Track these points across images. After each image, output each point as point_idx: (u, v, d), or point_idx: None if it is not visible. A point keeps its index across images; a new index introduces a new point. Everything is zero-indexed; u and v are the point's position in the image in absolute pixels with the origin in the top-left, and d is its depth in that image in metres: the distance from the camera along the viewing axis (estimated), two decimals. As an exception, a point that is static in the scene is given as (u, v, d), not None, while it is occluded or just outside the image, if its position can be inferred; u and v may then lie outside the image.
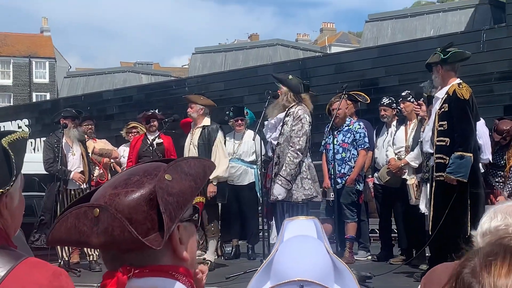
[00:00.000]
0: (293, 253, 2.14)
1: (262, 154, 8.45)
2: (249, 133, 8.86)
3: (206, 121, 8.16)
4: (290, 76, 7.41)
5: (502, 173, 7.86)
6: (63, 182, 8.33)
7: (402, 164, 7.92)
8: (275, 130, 7.19)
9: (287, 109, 7.16)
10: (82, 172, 8.52)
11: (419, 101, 7.48)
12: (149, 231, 1.32)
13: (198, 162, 1.47)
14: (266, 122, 7.36)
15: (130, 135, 9.98)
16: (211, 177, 7.93)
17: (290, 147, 7.02)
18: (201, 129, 8.06)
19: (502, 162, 7.96)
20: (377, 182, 8.36)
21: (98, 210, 1.32)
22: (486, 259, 1.06)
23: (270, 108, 7.30)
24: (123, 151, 10.17)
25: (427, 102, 7.22)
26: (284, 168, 6.99)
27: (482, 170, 7.57)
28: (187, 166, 1.43)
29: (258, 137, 8.15)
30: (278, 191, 7.00)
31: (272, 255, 2.38)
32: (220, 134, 8.12)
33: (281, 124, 7.12)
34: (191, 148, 8.13)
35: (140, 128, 9.97)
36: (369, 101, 8.88)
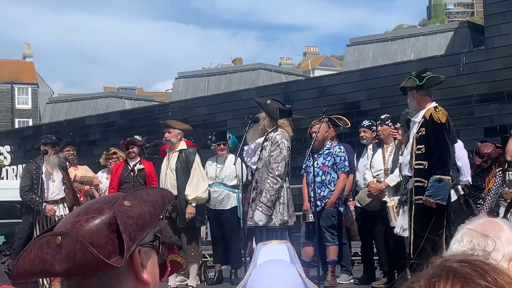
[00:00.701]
0: (266, 277, 2.15)
1: (245, 178, 8.47)
2: (232, 157, 8.87)
3: (183, 145, 8.32)
4: (269, 101, 7.39)
5: (483, 195, 7.93)
6: (36, 212, 8.30)
7: (383, 187, 7.96)
8: (254, 154, 7.19)
9: (266, 134, 7.16)
10: (62, 199, 8.49)
11: (395, 126, 7.55)
12: (110, 255, 1.35)
13: (157, 191, 1.52)
14: (246, 147, 7.36)
15: (110, 161, 9.92)
16: (190, 198, 8.02)
17: (269, 173, 7.00)
18: (178, 153, 8.16)
19: (483, 184, 8.03)
20: (358, 205, 8.39)
21: (60, 237, 1.35)
22: (430, 280, 1.10)
23: (251, 133, 7.30)
24: (101, 177, 10.15)
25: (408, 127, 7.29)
26: (264, 194, 6.97)
27: (462, 192, 7.64)
28: (146, 194, 1.47)
29: (239, 161, 8.17)
30: (259, 217, 6.97)
31: (245, 279, 2.40)
32: (197, 157, 8.27)
33: (260, 149, 7.11)
34: (168, 172, 8.20)
35: (120, 154, 9.95)
36: (349, 125, 8.93)
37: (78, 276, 1.38)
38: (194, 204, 8.10)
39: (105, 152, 10.27)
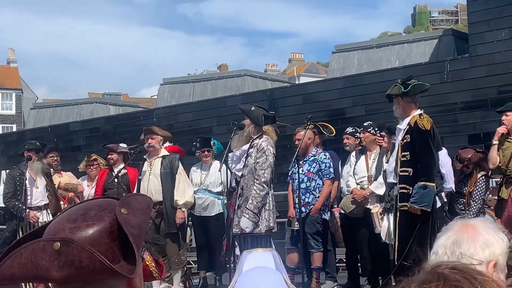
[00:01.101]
0: (251, 284, 2.15)
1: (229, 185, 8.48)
2: (216, 164, 8.86)
3: (164, 151, 8.38)
4: (253, 108, 7.38)
5: (464, 200, 7.99)
6: (19, 218, 8.25)
7: (367, 194, 7.98)
8: (239, 161, 7.17)
9: (251, 141, 7.14)
10: (46, 206, 8.44)
11: (381, 133, 7.59)
12: (112, 263, 1.34)
13: (143, 198, 1.52)
14: (230, 154, 7.34)
15: (91, 167, 9.88)
16: (180, 203, 8.09)
17: (255, 180, 6.97)
18: (161, 159, 8.18)
19: (465, 190, 8.09)
20: (342, 212, 8.41)
21: (59, 243, 1.33)
22: (421, 286, 1.10)
23: (236, 139, 7.28)
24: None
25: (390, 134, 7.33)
26: (250, 201, 6.94)
27: (445, 200, 7.68)
28: (135, 201, 1.47)
29: (224, 168, 8.16)
30: (246, 224, 6.94)
31: (231, 286, 2.40)
32: (180, 163, 8.34)
33: (245, 155, 7.10)
34: (151, 178, 8.19)
35: (100, 161, 9.93)
36: (334, 133, 8.94)
37: (75, 284, 1.36)
38: (184, 209, 8.21)
39: (85, 158, 10.19)
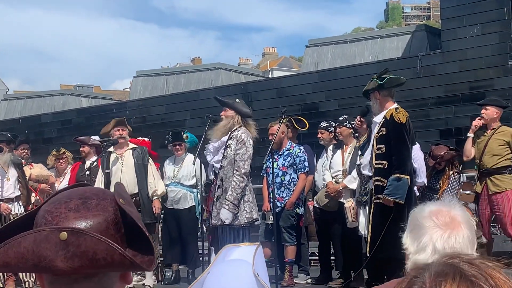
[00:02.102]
0: (221, 277, 2.15)
1: (204, 178, 8.47)
2: (190, 157, 8.83)
3: (131, 144, 8.47)
4: (238, 100, 7.40)
5: (437, 196, 8.06)
6: None
7: (341, 188, 8.01)
8: (217, 153, 7.16)
9: (230, 132, 7.13)
10: (17, 197, 8.36)
11: (362, 118, 7.49)
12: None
13: (123, 188, 1.50)
14: (208, 146, 7.32)
15: (60, 161, 9.80)
16: (159, 193, 8.33)
17: (235, 171, 6.96)
18: (131, 150, 8.22)
19: (437, 186, 8.17)
20: (316, 206, 8.43)
21: (65, 233, 1.28)
22: (436, 279, 1.08)
23: (216, 131, 7.25)
24: None
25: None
26: (230, 192, 6.92)
27: (418, 194, 7.74)
28: (125, 192, 1.45)
29: (198, 161, 8.15)
30: (226, 215, 6.92)
31: (201, 276, 2.39)
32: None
33: (223, 147, 7.09)
34: (124, 170, 8.15)
35: (68, 155, 9.87)
36: (307, 127, 8.94)
37: (79, 275, 1.32)
38: (160, 199, 8.38)
39: (54, 152, 10.05)
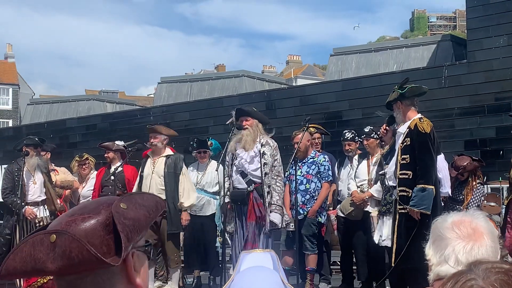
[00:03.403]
0: (248, 282, 2.16)
1: (227, 185, 8.47)
2: (213, 164, 8.86)
3: (168, 150, 8.25)
4: (254, 109, 7.57)
5: (460, 207, 8.00)
6: (17, 214, 8.22)
7: (367, 197, 7.98)
8: (253, 161, 7.32)
9: (260, 140, 7.37)
10: (43, 201, 8.43)
11: (387, 127, 7.41)
12: (105, 255, 1.34)
13: (151, 197, 1.53)
14: (243, 154, 7.39)
15: (83, 167, 9.86)
16: (186, 205, 8.01)
17: (277, 177, 7.36)
18: (165, 158, 8.09)
19: (460, 197, 8.12)
20: (340, 214, 8.41)
21: (54, 235, 1.35)
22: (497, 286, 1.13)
23: (248, 141, 7.37)
24: None
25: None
26: (277, 197, 7.32)
27: (442, 204, 7.69)
28: (140, 198, 1.49)
29: (221, 168, 8.15)
30: (278, 219, 7.29)
31: (228, 284, 2.41)
32: (184, 164, 8.24)
33: (258, 155, 7.23)
34: (154, 177, 8.12)
35: (91, 159, 9.92)
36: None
37: (71, 276, 1.38)
38: (189, 211, 8.16)
39: (76, 158, 10.10)
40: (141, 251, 1.48)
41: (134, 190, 8.12)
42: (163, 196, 7.86)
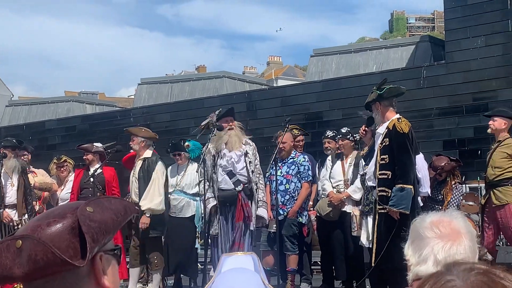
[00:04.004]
0: (229, 284, 2.16)
1: (207, 187, 8.44)
2: (194, 165, 8.84)
3: (148, 153, 8.23)
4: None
5: (440, 207, 8.07)
6: None
7: (344, 197, 8.02)
8: (240, 161, 7.39)
9: (243, 140, 7.54)
10: (15, 205, 8.36)
11: (366, 128, 7.42)
12: (72, 258, 1.35)
13: (119, 201, 1.54)
14: (230, 154, 7.44)
15: (62, 169, 9.78)
16: (143, 208, 7.89)
17: (260, 175, 7.56)
18: (142, 161, 8.10)
19: (439, 197, 8.19)
20: (318, 215, 8.44)
21: (20, 241, 1.35)
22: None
23: (235, 141, 7.44)
24: None
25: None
26: (262, 194, 7.56)
27: (421, 204, 7.74)
28: (107, 202, 1.49)
29: (201, 169, 8.13)
30: (265, 214, 7.53)
31: (208, 285, 2.41)
32: (159, 166, 8.15)
33: (243, 154, 7.31)
34: (133, 180, 8.14)
35: (69, 162, 9.85)
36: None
37: (38, 281, 1.37)
38: (148, 215, 7.93)
39: (54, 160, 10.02)
40: (110, 254, 1.48)
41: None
42: (138, 199, 7.85)
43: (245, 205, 7.37)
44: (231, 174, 7.40)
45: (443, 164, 8.17)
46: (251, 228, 7.39)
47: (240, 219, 7.35)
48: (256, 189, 7.49)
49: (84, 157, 8.97)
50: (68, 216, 1.39)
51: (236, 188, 7.36)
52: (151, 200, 7.99)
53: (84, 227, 1.36)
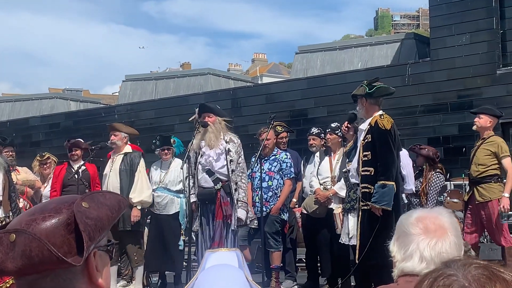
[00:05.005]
0: (213, 280, 2.15)
1: (192, 184, 8.41)
2: (177, 162, 8.79)
3: (128, 148, 8.31)
4: (218, 106, 7.56)
5: (417, 200, 8.19)
6: None
7: (331, 194, 8.01)
8: (220, 159, 7.24)
9: (225, 137, 7.29)
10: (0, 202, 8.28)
11: (349, 124, 7.44)
12: (66, 255, 1.33)
13: (113, 196, 1.52)
14: (210, 152, 7.30)
15: (45, 166, 9.70)
16: (135, 201, 8.00)
17: (242, 173, 7.28)
18: (122, 155, 8.13)
19: (419, 187, 8.31)
20: (304, 212, 8.42)
21: (14, 235, 1.32)
22: (479, 280, 1.13)
23: (211, 138, 7.28)
24: None
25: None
26: (243, 194, 7.24)
27: (406, 201, 7.76)
28: (102, 197, 1.47)
29: (186, 166, 8.10)
30: (244, 215, 7.21)
31: (192, 281, 2.39)
32: (142, 161, 8.28)
33: (224, 152, 7.18)
34: (111, 175, 8.14)
35: (52, 159, 9.78)
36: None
37: (31, 276, 1.35)
38: (139, 208, 8.13)
39: (37, 157, 9.93)
40: (103, 251, 1.46)
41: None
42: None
43: (224, 204, 7.29)
44: (210, 172, 7.33)
45: (424, 151, 8.41)
46: (232, 227, 7.26)
47: (219, 217, 7.27)
48: (235, 189, 7.25)
49: (73, 153, 8.86)
50: (63, 211, 1.37)
51: (216, 186, 7.28)
52: (141, 192, 8.16)
53: (81, 225, 1.34)
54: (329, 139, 8.20)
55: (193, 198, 7.45)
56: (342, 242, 7.40)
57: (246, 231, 8.14)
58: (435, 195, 8.41)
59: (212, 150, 7.26)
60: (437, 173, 8.48)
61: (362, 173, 6.42)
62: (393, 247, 2.34)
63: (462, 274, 1.15)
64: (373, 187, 6.27)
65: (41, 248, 1.30)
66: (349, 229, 7.24)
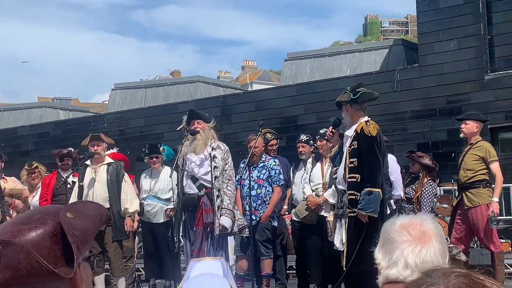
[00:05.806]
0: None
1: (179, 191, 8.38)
2: (166, 170, 8.78)
3: (108, 158, 8.32)
4: (207, 114, 7.52)
5: (411, 206, 8.18)
6: None
7: (321, 201, 7.99)
8: (203, 165, 7.17)
9: (211, 144, 7.23)
10: None
11: (333, 130, 7.39)
12: (53, 267, 1.31)
13: (94, 206, 1.52)
14: (193, 158, 7.25)
15: (33, 175, 9.66)
16: (130, 211, 8.02)
17: (228, 180, 7.15)
18: (106, 166, 8.08)
19: (412, 193, 8.31)
20: (295, 219, 8.40)
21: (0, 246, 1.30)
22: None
23: (198, 145, 7.24)
24: None
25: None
26: (228, 201, 7.07)
27: (394, 207, 7.76)
28: (85, 208, 1.47)
29: (175, 174, 8.07)
30: (228, 223, 7.02)
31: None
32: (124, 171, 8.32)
33: (209, 159, 7.12)
34: (96, 185, 8.03)
35: (41, 168, 9.74)
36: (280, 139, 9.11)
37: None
38: (133, 217, 8.15)
39: (26, 167, 9.89)
40: (86, 262, 1.45)
41: (72, 199, 7.98)
42: (107, 204, 7.82)
43: (205, 211, 7.22)
44: (194, 179, 7.29)
45: (422, 159, 8.41)
46: (214, 235, 7.15)
47: (199, 225, 7.21)
48: (217, 196, 7.10)
49: (64, 163, 8.89)
50: (49, 222, 1.35)
51: (200, 193, 7.24)
52: (132, 202, 8.19)
53: (69, 236, 1.33)
54: (320, 146, 8.20)
55: (170, 205, 7.46)
56: (335, 248, 7.38)
57: (239, 241, 8.08)
58: (429, 203, 8.42)
59: (196, 156, 7.22)
60: (429, 181, 8.50)
61: (349, 180, 6.42)
62: (378, 254, 2.33)
63: (443, 283, 1.15)
64: (359, 194, 6.26)
65: (29, 260, 1.29)
66: (342, 235, 7.23)
